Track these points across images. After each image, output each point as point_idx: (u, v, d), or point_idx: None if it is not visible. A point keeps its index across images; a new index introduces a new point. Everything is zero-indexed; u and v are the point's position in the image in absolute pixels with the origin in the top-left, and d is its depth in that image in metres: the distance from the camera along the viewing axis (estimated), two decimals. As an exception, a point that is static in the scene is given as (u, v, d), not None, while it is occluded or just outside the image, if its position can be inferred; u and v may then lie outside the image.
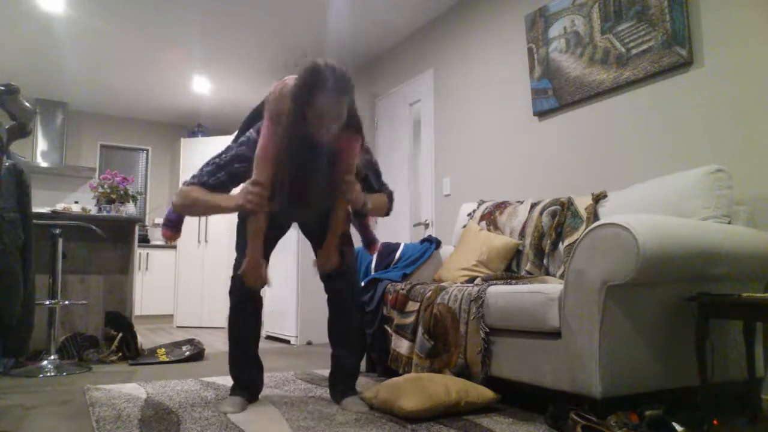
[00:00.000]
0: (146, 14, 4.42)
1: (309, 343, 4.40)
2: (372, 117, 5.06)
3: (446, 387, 1.98)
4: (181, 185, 2.14)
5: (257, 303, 2.22)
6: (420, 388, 1.96)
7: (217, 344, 4.40)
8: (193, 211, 2.14)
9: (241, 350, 2.22)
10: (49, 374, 2.95)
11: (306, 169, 2.00)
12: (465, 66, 4.02)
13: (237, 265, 2.18)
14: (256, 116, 2.21)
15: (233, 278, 2.17)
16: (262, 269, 2.06)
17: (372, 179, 2.29)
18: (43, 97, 6.36)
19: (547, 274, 2.63)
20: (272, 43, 4.88)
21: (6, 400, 2.33)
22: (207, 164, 2.14)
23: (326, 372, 2.90)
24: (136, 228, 3.96)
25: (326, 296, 2.29)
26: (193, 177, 2.12)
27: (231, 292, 2.19)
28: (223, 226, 5.99)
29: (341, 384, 2.22)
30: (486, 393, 2.04)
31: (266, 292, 2.25)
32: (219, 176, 2.08)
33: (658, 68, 2.62)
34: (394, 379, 2.14)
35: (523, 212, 2.92)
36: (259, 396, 2.26)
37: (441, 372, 2.27)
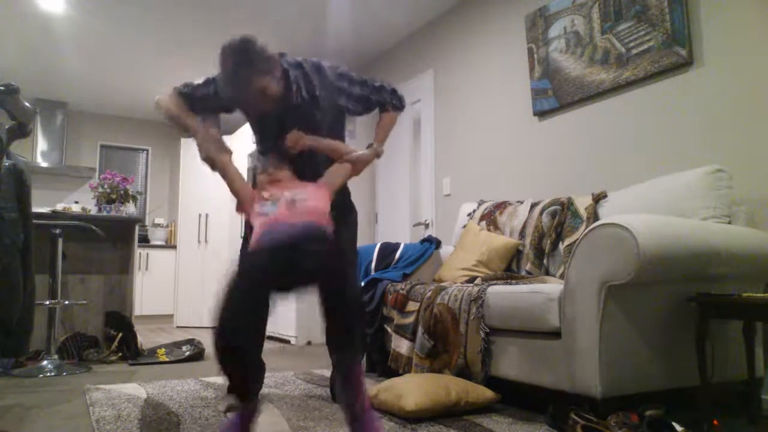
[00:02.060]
0: (146, 14, 4.42)
1: (309, 343, 4.41)
2: (372, 117, 5.06)
3: (446, 387, 1.98)
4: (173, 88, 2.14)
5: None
6: (420, 388, 1.96)
7: (217, 344, 4.39)
8: (166, 117, 2.10)
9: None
10: (49, 374, 2.95)
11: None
12: (465, 66, 4.02)
13: (239, 263, 2.15)
14: None
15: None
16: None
17: (356, 104, 2.15)
18: (43, 97, 6.35)
19: (547, 274, 2.63)
20: (272, 43, 4.86)
21: (6, 400, 2.33)
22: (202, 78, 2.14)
23: (326, 372, 2.90)
24: (136, 228, 3.96)
25: None
26: (184, 86, 2.12)
27: None
28: (224, 227, 5.99)
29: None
30: (486, 393, 2.04)
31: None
32: (207, 91, 2.08)
33: (658, 68, 2.62)
34: (394, 379, 2.14)
35: (523, 212, 2.92)
36: (259, 396, 2.26)
37: (441, 372, 2.27)
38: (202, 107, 2.07)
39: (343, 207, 2.26)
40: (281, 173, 1.75)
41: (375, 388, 2.10)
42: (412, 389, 1.96)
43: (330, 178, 1.82)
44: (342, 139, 2.14)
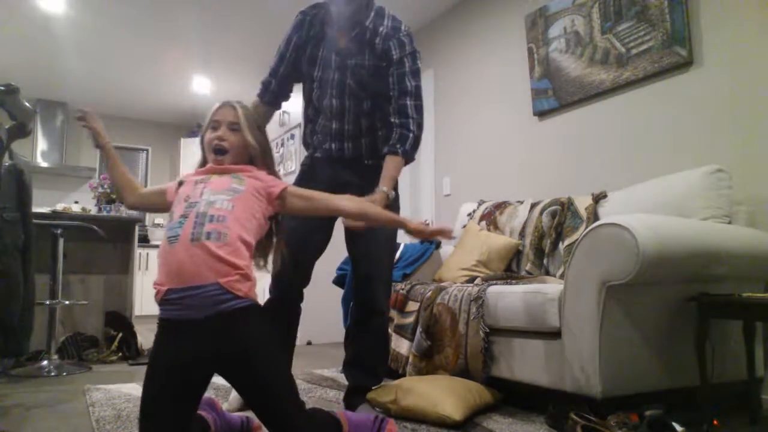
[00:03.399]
0: (146, 14, 4.42)
1: (309, 343, 4.40)
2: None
3: (469, 389, 1.97)
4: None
5: (291, 304, 2.01)
6: (453, 392, 1.90)
7: (217, 344, 4.39)
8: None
9: None
10: (49, 374, 2.95)
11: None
12: (465, 66, 4.02)
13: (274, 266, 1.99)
14: None
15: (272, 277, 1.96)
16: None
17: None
18: (43, 97, 6.36)
19: (547, 274, 2.63)
20: (273, 43, 4.86)
21: (6, 400, 2.33)
22: None
23: (326, 372, 2.90)
24: (136, 228, 3.96)
25: (351, 304, 2.12)
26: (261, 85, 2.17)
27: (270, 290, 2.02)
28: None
29: (355, 399, 2.03)
30: (488, 393, 2.04)
31: (265, 293, 2.21)
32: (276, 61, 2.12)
33: (658, 68, 2.62)
34: (406, 381, 2.07)
35: (523, 212, 2.93)
36: None
37: (434, 373, 2.27)
38: (284, 75, 2.12)
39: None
40: (231, 138, 1.46)
41: (388, 392, 1.97)
42: (446, 394, 1.87)
43: (303, 193, 1.52)
44: (384, 113, 1.98)
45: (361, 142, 2.00)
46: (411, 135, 1.92)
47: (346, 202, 1.56)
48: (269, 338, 1.34)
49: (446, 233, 1.57)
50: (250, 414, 2.02)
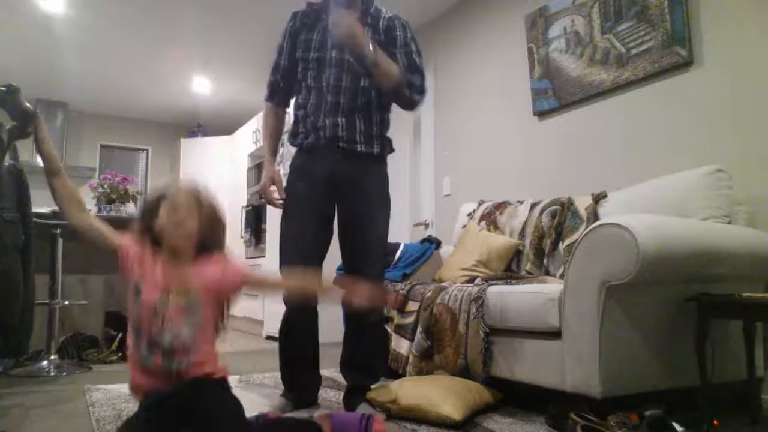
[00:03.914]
0: (146, 14, 4.42)
1: (309, 343, 4.40)
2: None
3: (469, 389, 1.97)
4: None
5: (309, 314, 2.05)
6: (453, 392, 1.90)
7: (217, 344, 4.38)
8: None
9: (288, 355, 2.09)
10: (49, 374, 2.95)
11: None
12: (465, 66, 4.02)
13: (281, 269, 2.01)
14: None
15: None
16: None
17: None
18: (43, 97, 6.35)
19: (547, 274, 2.63)
20: (272, 43, 4.86)
21: (6, 400, 2.33)
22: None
23: (326, 372, 2.90)
24: (136, 228, 3.95)
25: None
26: (268, 87, 2.27)
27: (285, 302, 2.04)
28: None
29: (355, 399, 2.03)
30: (488, 393, 2.04)
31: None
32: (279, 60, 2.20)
33: (658, 68, 2.62)
34: (406, 381, 2.08)
35: (523, 212, 2.93)
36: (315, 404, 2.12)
37: (434, 373, 2.26)
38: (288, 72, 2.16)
39: (379, 198, 2.09)
40: (188, 225, 1.42)
41: (389, 392, 1.97)
42: (446, 394, 1.88)
43: (256, 280, 1.62)
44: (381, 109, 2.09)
45: (355, 119, 2.01)
46: (417, 78, 2.02)
47: (292, 282, 1.79)
48: (237, 404, 1.44)
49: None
50: (262, 409, 2.02)
